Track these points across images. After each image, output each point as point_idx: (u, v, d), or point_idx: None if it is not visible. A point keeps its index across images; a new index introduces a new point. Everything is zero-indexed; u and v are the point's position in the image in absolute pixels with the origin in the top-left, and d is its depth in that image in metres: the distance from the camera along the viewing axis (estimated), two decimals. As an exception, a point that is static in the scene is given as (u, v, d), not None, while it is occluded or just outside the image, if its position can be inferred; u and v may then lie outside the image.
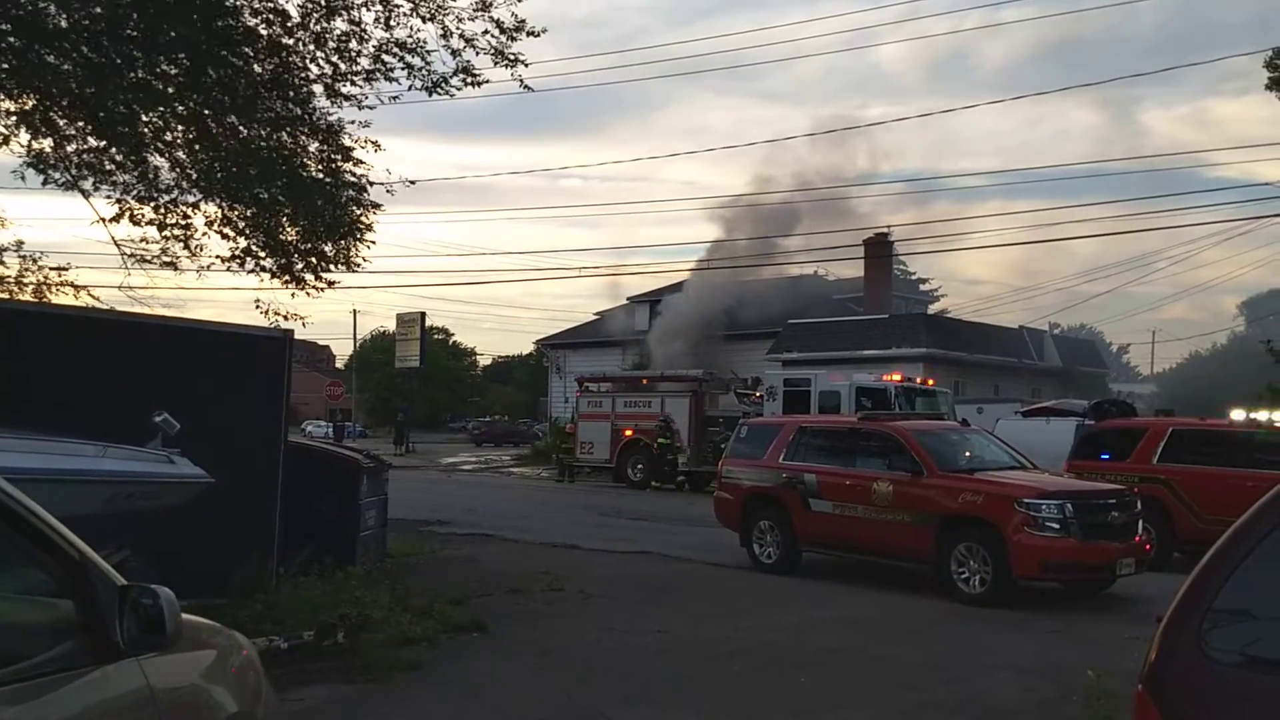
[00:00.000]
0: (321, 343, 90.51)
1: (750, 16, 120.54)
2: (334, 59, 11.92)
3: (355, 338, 71.10)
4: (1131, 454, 14.72)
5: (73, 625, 2.85)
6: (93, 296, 13.60)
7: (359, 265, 13.83)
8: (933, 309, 53.77)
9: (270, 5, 11.51)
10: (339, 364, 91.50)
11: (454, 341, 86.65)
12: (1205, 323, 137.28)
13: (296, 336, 10.68)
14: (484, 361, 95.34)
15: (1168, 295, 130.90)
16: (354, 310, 69.56)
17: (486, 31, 11.64)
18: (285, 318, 13.14)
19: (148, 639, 2.92)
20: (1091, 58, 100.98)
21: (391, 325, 54.65)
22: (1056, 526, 10.80)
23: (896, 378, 25.98)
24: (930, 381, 27.43)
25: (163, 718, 3.01)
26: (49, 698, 2.64)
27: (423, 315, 48.93)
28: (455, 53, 11.79)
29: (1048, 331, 47.15)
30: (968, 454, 12.57)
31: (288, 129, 12.37)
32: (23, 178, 12.71)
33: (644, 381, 31.35)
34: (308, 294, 13.63)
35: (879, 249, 40.25)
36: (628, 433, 29.27)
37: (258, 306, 13.21)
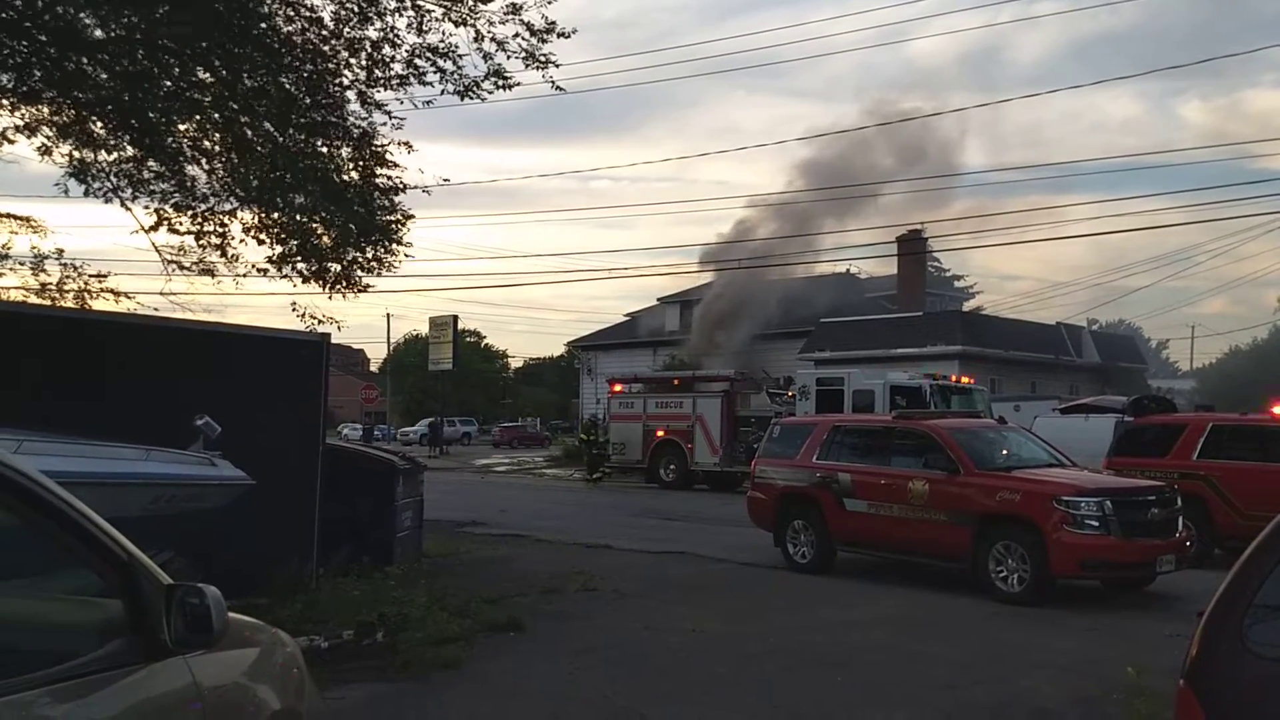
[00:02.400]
0: (356, 347, 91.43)
1: (781, 14, 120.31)
2: (368, 65, 12.03)
3: (389, 341, 71.77)
4: (1171, 450, 14.56)
5: (121, 624, 2.89)
6: (131, 300, 13.82)
7: (393, 269, 13.95)
8: (968, 306, 53.37)
9: (305, 13, 11.64)
10: (373, 368, 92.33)
11: (486, 344, 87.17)
12: (1245, 317, 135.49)
13: (332, 341, 10.78)
14: (515, 364, 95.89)
15: (1207, 289, 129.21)
16: (388, 314, 70.33)
17: (517, 35, 11.71)
18: (321, 321, 13.29)
19: (194, 637, 2.96)
20: (1128, 50, 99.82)
21: (424, 329, 55.02)
22: (1096, 524, 10.69)
23: (932, 376, 25.81)
24: (966, 379, 27.22)
25: (209, 714, 3.05)
26: (99, 695, 2.69)
27: (455, 318, 49.25)
28: (487, 56, 11.87)
29: (1086, 328, 46.67)
30: (1005, 452, 12.48)
31: (322, 135, 12.49)
32: (66, 190, 12.92)
33: (675, 382, 31.36)
34: (344, 297, 13.76)
35: (912, 246, 40.00)
36: (660, 433, 29.29)
37: (294, 309, 13.38)
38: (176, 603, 2.94)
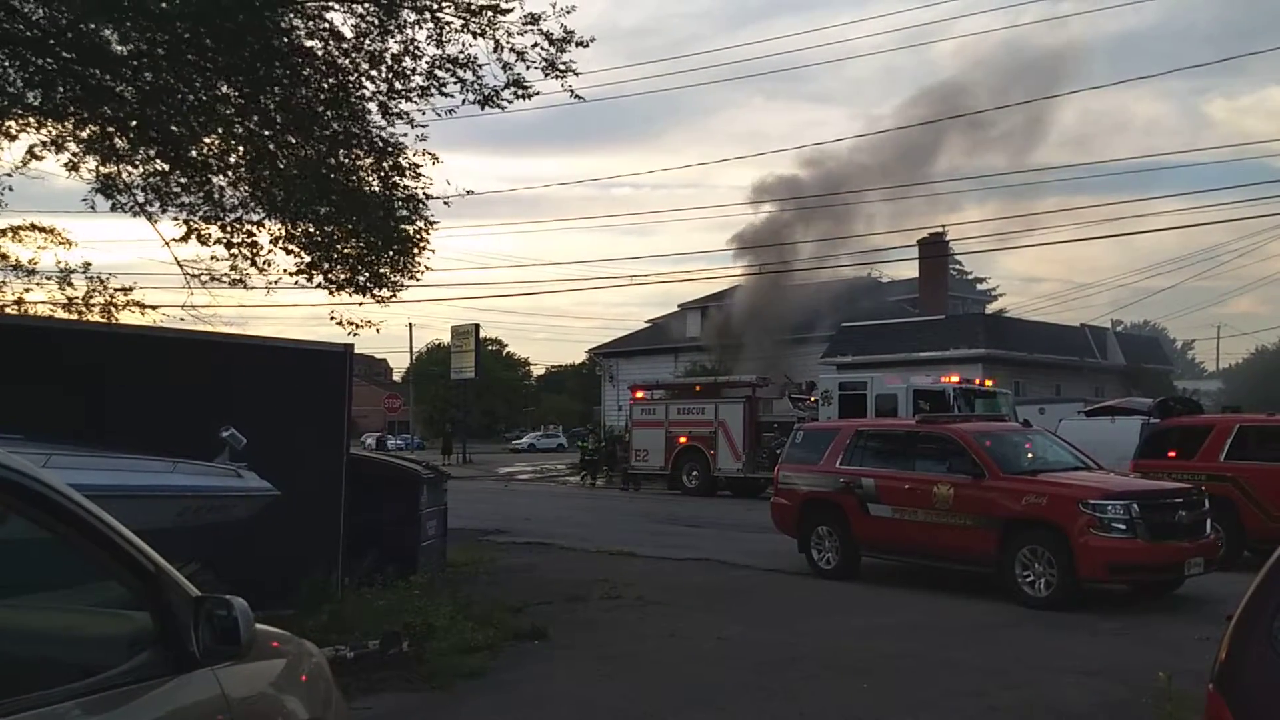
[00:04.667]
0: (379, 356, 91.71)
1: (800, 19, 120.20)
2: (388, 77, 12.11)
3: (412, 351, 71.90)
4: (1198, 452, 14.42)
5: (150, 636, 2.91)
6: (156, 312, 13.97)
7: (418, 278, 14.02)
8: (991, 308, 53.08)
9: (325, 27, 11.74)
10: (396, 377, 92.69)
11: (508, 352, 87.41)
12: (1272, 316, 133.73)
13: (357, 350, 10.85)
14: (538, 371, 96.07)
15: (1233, 289, 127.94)
16: (410, 324, 70.25)
17: (536, 45, 11.75)
18: (360, 326, 13.40)
19: (222, 649, 2.97)
20: (1151, 49, 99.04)
21: (447, 338, 55.15)
22: (1123, 527, 10.60)
23: (955, 379, 25.69)
24: (989, 382, 27.07)
25: None
26: (129, 707, 2.70)
27: (477, 327, 49.34)
28: (506, 66, 11.92)
29: (1110, 329, 46.32)
30: (1030, 455, 12.39)
31: (344, 147, 12.58)
32: (93, 206, 13.05)
33: (698, 388, 31.35)
34: (378, 302, 13.83)
35: (934, 249, 39.82)
36: (682, 440, 29.26)
37: (332, 317, 13.51)
38: (205, 615, 2.95)
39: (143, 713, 2.75)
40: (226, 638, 2.97)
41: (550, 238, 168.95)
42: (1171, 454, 14.72)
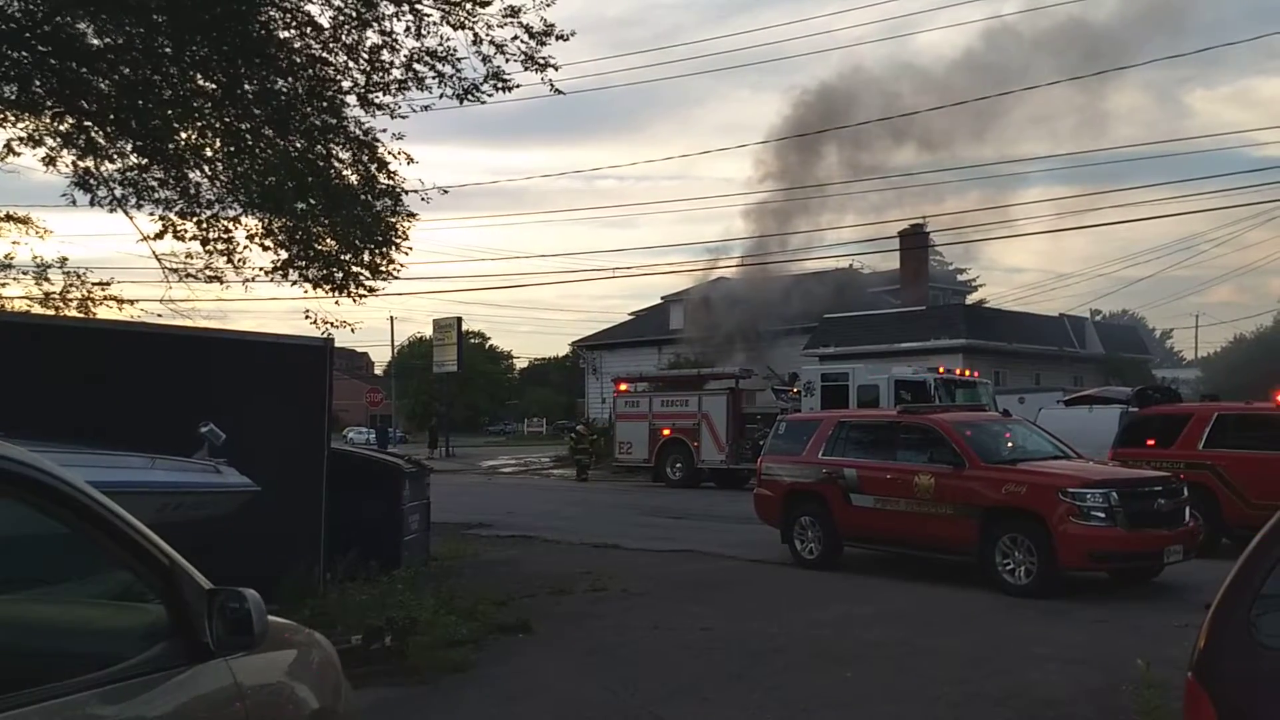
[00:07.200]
0: (360, 350, 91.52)
1: (785, 10, 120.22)
2: (366, 69, 12.04)
3: (394, 344, 71.76)
4: (1177, 440, 14.53)
5: (165, 628, 2.97)
6: (134, 307, 13.86)
7: (396, 274, 13.95)
8: (971, 299, 53.28)
9: (303, 18, 11.65)
10: (378, 370, 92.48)
11: (491, 345, 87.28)
12: (1250, 305, 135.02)
13: (338, 344, 10.80)
14: (521, 364, 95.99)
15: (1212, 278, 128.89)
16: (391, 317, 70.13)
17: (516, 37, 11.71)
18: (335, 326, 13.33)
19: (236, 639, 3.03)
20: (1135, 39, 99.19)
21: (429, 331, 54.97)
22: (1102, 515, 10.68)
23: (937, 370, 25.80)
24: (970, 372, 27.18)
25: (250, 714, 3.13)
26: (145, 696, 2.77)
27: (459, 320, 49.18)
28: (486, 59, 11.87)
29: (1089, 319, 46.64)
30: (1010, 445, 12.47)
31: (322, 141, 12.50)
32: (73, 201, 12.93)
33: (680, 381, 31.37)
34: (354, 300, 13.77)
35: (915, 240, 39.93)
36: (666, 432, 29.29)
37: (307, 316, 13.42)
38: (218, 606, 3.02)
39: (159, 702, 2.82)
40: (240, 629, 3.03)
41: (533, 230, 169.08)
42: (1150, 442, 14.84)
